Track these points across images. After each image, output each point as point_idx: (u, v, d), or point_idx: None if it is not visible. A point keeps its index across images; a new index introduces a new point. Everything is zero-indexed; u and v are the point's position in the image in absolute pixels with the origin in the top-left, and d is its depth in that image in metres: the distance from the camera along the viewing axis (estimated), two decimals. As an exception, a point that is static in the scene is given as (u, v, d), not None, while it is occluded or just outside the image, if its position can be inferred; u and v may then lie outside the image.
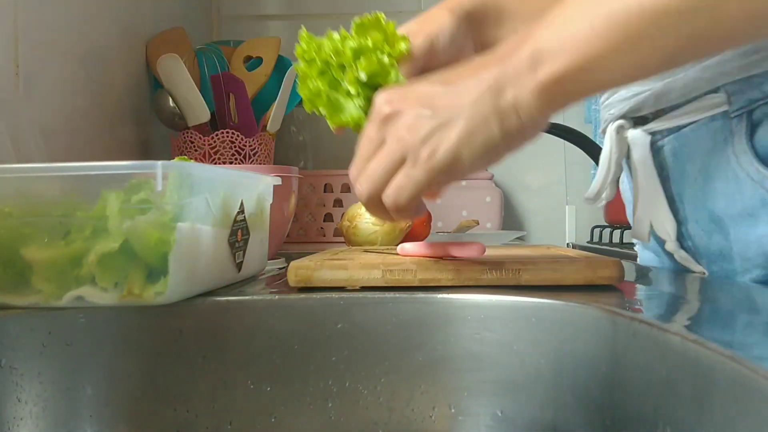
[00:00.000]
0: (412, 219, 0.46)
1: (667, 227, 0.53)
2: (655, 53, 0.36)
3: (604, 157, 0.56)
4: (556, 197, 1.41)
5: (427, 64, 0.46)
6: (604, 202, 0.58)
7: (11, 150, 0.63)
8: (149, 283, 0.37)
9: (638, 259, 0.65)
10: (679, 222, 0.53)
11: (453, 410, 0.40)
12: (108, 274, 0.37)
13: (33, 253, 0.38)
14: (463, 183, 1.30)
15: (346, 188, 1.13)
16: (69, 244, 0.37)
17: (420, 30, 0.47)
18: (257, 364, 0.41)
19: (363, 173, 0.40)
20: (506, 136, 0.37)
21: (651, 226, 0.55)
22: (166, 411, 0.41)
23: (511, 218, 1.39)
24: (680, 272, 0.55)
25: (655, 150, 0.53)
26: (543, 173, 1.38)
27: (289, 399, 0.41)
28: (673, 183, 0.52)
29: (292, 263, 0.44)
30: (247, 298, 0.42)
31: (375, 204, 0.41)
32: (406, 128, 0.38)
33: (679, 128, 0.51)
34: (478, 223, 1.10)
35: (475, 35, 0.51)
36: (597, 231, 1.27)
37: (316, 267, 0.43)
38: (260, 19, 1.37)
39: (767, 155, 0.45)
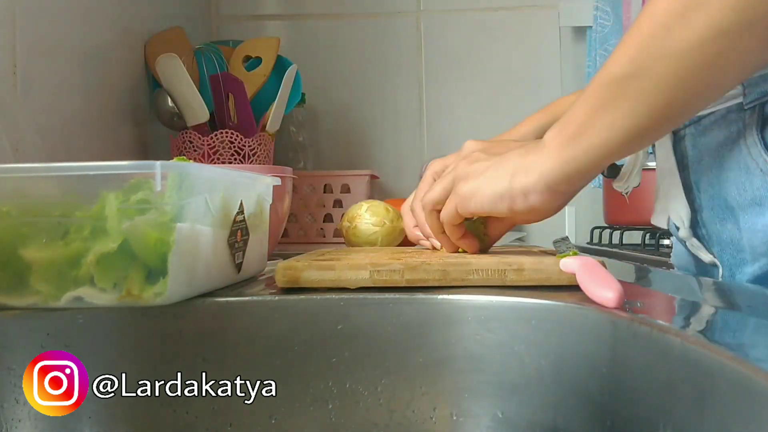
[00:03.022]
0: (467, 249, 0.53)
1: (681, 214, 0.55)
2: (629, 114, 0.41)
3: None
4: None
5: None
6: (630, 189, 0.60)
7: (9, 150, 0.62)
8: (148, 284, 0.37)
9: (672, 254, 0.66)
10: (695, 210, 0.54)
11: (453, 412, 0.40)
12: (107, 275, 0.37)
13: (31, 254, 0.37)
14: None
15: (346, 189, 1.12)
16: (68, 244, 0.37)
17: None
18: (257, 366, 0.41)
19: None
20: (514, 213, 0.47)
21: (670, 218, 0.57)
22: (166, 412, 0.41)
23: (510, 219, 1.39)
24: (679, 273, 0.55)
25: (677, 139, 0.55)
26: (542, 174, 1.38)
27: (289, 400, 0.41)
28: (691, 172, 0.54)
29: (280, 264, 0.44)
30: (246, 299, 0.42)
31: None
32: (459, 173, 0.50)
33: (700, 119, 0.52)
34: (477, 224, 1.10)
35: None
36: (597, 232, 1.27)
37: (304, 267, 0.43)
38: (259, 19, 1.37)
39: None
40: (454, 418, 0.40)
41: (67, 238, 0.37)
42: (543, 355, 0.38)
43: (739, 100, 0.48)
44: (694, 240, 0.55)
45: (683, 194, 0.55)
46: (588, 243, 1.26)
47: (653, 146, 0.60)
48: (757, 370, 0.23)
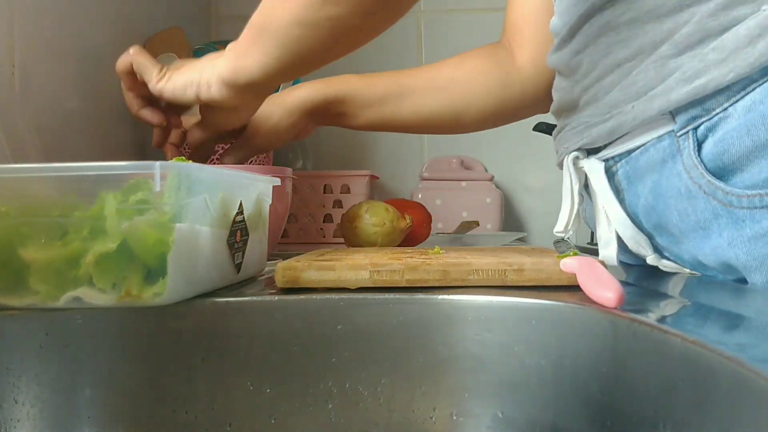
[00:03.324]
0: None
1: (641, 242, 0.54)
2: (270, 50, 0.55)
3: (565, 189, 0.60)
4: (556, 198, 1.40)
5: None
6: (571, 233, 0.61)
7: (7, 150, 0.62)
8: (147, 284, 0.37)
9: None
10: (647, 235, 0.54)
11: (454, 411, 0.40)
12: (106, 275, 0.37)
13: (30, 254, 0.37)
14: (463, 184, 1.30)
15: (346, 189, 1.12)
16: (66, 244, 0.37)
17: (255, 116, 0.70)
18: (257, 366, 0.41)
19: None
20: (202, 100, 0.61)
21: (618, 249, 0.56)
22: (165, 412, 0.41)
23: (511, 219, 1.39)
24: (678, 273, 0.55)
25: (610, 175, 0.55)
26: (543, 174, 1.38)
27: (289, 400, 0.41)
28: (628, 205, 0.54)
29: (280, 264, 0.44)
30: (246, 299, 0.42)
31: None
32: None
33: (630, 152, 0.52)
34: (478, 224, 1.10)
35: (319, 120, 0.76)
36: (596, 232, 1.27)
37: (303, 268, 0.43)
38: (259, 19, 1.37)
39: (716, 168, 0.46)
40: (454, 418, 0.40)
41: (65, 239, 0.37)
42: (543, 355, 0.38)
43: (670, 128, 0.48)
44: (666, 261, 0.54)
45: (631, 223, 0.54)
46: (588, 243, 1.26)
47: (587, 189, 0.59)
48: (756, 369, 0.23)
